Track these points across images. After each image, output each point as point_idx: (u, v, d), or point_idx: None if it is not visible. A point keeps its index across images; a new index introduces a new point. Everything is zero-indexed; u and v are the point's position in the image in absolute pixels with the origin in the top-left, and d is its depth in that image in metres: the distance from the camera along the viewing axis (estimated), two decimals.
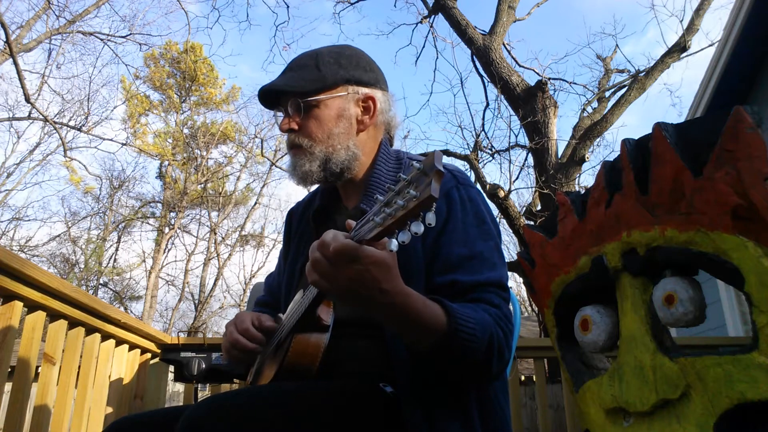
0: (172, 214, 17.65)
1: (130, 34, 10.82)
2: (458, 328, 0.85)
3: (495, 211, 6.69)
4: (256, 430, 0.79)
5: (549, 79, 7.47)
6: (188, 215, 18.24)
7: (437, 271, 0.98)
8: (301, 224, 1.28)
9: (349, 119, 1.10)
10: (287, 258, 1.27)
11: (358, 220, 0.78)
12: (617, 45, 13.53)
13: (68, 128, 12.59)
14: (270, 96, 1.13)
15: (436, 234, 1.01)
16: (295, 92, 1.08)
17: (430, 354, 0.87)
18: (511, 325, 0.97)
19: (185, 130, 17.26)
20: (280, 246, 1.40)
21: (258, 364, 1.16)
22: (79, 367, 1.76)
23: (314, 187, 1.26)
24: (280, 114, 1.14)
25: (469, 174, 7.58)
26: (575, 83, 9.34)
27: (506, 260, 1.07)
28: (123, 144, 14.32)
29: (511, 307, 1.04)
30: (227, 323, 1.15)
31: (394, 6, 12.78)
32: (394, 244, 0.69)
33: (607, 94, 9.10)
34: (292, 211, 1.34)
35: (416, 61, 11.54)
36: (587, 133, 7.07)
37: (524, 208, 7.56)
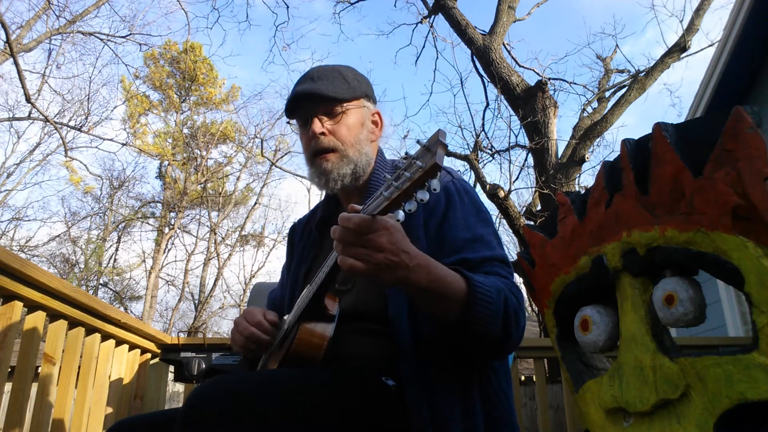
0: (172, 214, 17.63)
1: (130, 34, 10.82)
2: (477, 291, 0.90)
3: (495, 211, 6.70)
4: (260, 413, 0.79)
5: (549, 79, 7.47)
6: (188, 215, 18.23)
7: (445, 254, 1.04)
8: (303, 236, 1.33)
9: (367, 128, 1.21)
10: (290, 268, 1.31)
11: (367, 199, 0.82)
12: (617, 45, 13.52)
13: (68, 128, 12.57)
14: (295, 102, 1.17)
15: (439, 223, 1.07)
16: (335, 98, 1.15)
17: (453, 324, 0.91)
18: (521, 294, 1.02)
19: (185, 130, 17.24)
20: (279, 246, 1.44)
21: (264, 359, 1.17)
22: (79, 367, 1.76)
23: (315, 200, 1.31)
24: (294, 122, 1.21)
25: (469, 174, 7.60)
26: (575, 83, 9.32)
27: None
28: (123, 144, 14.29)
29: None
30: (236, 318, 1.18)
31: (394, 6, 12.79)
32: (401, 214, 0.73)
33: (607, 94, 9.10)
34: (294, 226, 1.41)
35: (416, 61, 11.59)
36: (587, 133, 7.07)
37: (524, 208, 7.55)
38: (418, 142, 0.72)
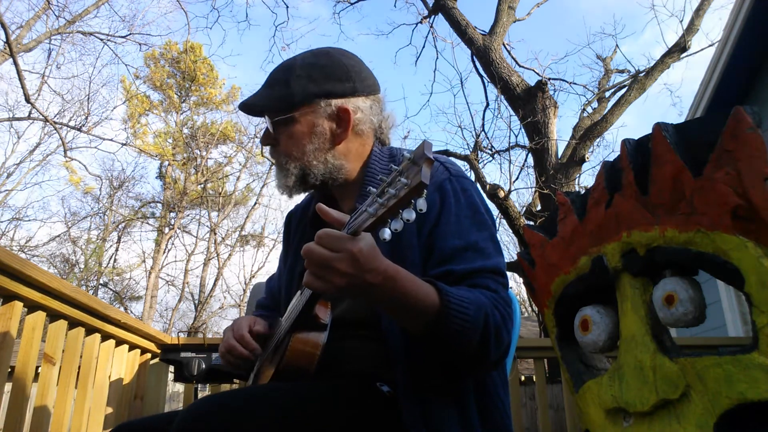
0: (172, 214, 17.64)
1: (130, 34, 10.83)
2: (450, 307, 0.85)
3: (495, 211, 6.69)
4: (252, 430, 0.79)
5: (549, 79, 7.48)
6: (188, 215, 18.24)
7: (432, 264, 0.98)
8: (299, 226, 1.27)
9: (323, 134, 1.07)
10: (287, 261, 1.27)
11: (352, 214, 0.78)
12: (617, 45, 13.50)
13: (68, 128, 12.58)
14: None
15: (431, 227, 1.00)
16: (265, 110, 1.09)
17: (426, 337, 0.88)
18: (510, 309, 0.95)
19: (185, 130, 17.25)
20: (279, 246, 1.40)
21: (258, 365, 1.16)
22: (79, 367, 1.76)
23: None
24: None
25: (468, 174, 7.59)
26: (575, 83, 9.32)
27: (506, 261, 1.07)
28: (123, 144, 14.33)
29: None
30: (226, 328, 1.16)
31: (394, 6, 12.74)
32: (387, 233, 0.70)
33: (607, 94, 9.10)
34: (291, 213, 1.34)
35: (416, 61, 11.56)
36: (587, 133, 7.07)
37: (524, 208, 7.55)
38: (403, 154, 0.71)
